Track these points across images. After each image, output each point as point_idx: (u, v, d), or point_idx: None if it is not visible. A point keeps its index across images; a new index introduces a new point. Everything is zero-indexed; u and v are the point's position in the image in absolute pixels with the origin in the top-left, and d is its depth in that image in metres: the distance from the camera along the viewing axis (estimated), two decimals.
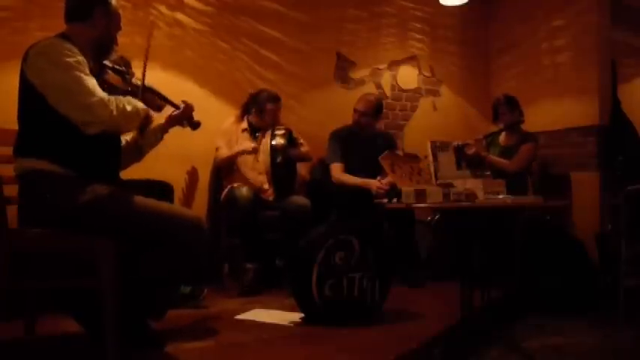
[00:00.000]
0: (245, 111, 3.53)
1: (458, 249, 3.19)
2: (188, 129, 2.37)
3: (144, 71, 2.15)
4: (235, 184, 3.35)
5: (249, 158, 3.41)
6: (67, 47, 1.91)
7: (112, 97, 1.94)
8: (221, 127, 3.48)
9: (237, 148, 3.37)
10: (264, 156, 3.41)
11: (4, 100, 2.21)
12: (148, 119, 2.17)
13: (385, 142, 3.62)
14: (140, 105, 2.05)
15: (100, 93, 1.90)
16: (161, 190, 2.22)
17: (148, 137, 2.34)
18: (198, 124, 2.35)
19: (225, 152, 3.41)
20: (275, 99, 3.49)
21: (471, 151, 3.26)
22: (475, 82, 4.96)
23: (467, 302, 2.52)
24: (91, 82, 1.89)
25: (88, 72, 1.91)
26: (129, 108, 1.97)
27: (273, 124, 3.51)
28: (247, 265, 3.20)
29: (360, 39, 4.35)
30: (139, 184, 2.16)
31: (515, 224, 3.27)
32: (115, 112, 1.90)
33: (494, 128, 3.96)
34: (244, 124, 3.51)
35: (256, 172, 3.43)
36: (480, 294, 2.65)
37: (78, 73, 1.87)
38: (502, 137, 3.83)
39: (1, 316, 1.82)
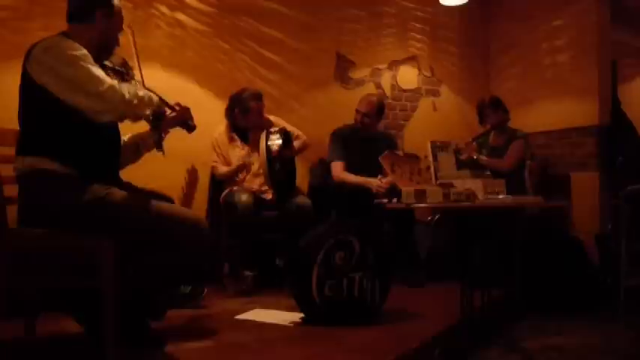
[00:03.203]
0: (229, 114, 3.46)
1: (458, 249, 3.19)
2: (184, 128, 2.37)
3: (140, 73, 2.16)
4: (235, 188, 3.35)
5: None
6: (70, 42, 1.92)
7: (123, 84, 1.96)
8: (211, 140, 3.44)
9: (232, 167, 3.38)
10: (261, 160, 3.34)
11: (5, 100, 2.21)
12: (161, 110, 2.15)
13: (385, 142, 3.63)
14: (153, 94, 2.07)
15: (110, 80, 1.91)
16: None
17: (148, 138, 2.34)
18: (194, 127, 2.34)
19: (222, 169, 3.41)
20: (258, 97, 3.41)
21: (463, 156, 3.27)
22: (475, 82, 4.96)
23: (467, 302, 2.52)
24: (99, 72, 1.91)
25: (94, 63, 1.92)
26: (141, 93, 1.99)
27: (264, 125, 3.42)
28: (246, 272, 3.20)
29: (360, 39, 4.35)
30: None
31: (515, 224, 3.27)
32: (127, 96, 1.91)
33: None
34: (231, 134, 3.46)
35: (253, 174, 3.42)
36: (480, 294, 2.65)
37: (85, 64, 1.88)
38: (491, 137, 3.85)
39: (2, 315, 1.81)
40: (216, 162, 3.44)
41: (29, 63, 1.91)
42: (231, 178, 3.42)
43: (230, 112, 3.47)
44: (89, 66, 1.88)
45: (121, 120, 2.05)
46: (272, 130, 3.32)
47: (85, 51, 1.92)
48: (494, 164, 3.59)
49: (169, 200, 2.27)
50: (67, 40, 1.94)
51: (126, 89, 1.93)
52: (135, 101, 1.95)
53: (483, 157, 3.64)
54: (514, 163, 3.69)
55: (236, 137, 3.46)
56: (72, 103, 1.87)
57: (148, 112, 2.04)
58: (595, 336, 2.76)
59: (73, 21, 2.06)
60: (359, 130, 3.68)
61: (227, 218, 3.33)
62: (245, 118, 3.41)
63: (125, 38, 2.20)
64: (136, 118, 2.06)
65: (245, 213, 3.15)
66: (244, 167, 3.40)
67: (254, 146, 3.39)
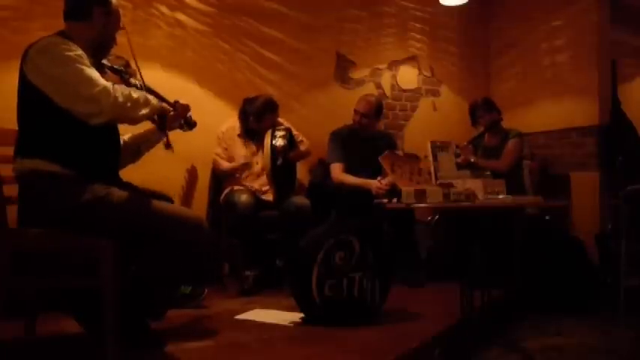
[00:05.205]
0: (243, 118, 3.49)
1: (458, 249, 3.19)
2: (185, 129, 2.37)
3: (139, 72, 2.16)
4: (235, 187, 3.35)
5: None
6: (66, 42, 1.91)
7: (117, 85, 1.93)
8: (217, 132, 3.47)
9: (234, 164, 3.39)
10: (264, 157, 3.38)
11: (5, 100, 2.20)
12: (164, 112, 2.13)
13: (385, 142, 3.62)
14: (152, 97, 2.05)
15: (103, 82, 1.88)
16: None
17: (150, 137, 2.34)
18: (195, 123, 2.35)
19: (223, 164, 3.42)
20: (273, 108, 3.45)
21: (459, 159, 3.28)
22: (475, 82, 4.96)
23: (467, 302, 2.52)
24: (93, 73, 1.89)
25: (89, 64, 1.91)
26: (135, 95, 1.96)
27: (273, 125, 3.49)
28: (246, 272, 3.20)
29: (360, 39, 4.35)
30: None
31: (515, 224, 3.27)
32: (120, 99, 1.88)
33: None
34: (239, 130, 3.49)
35: (255, 174, 3.43)
36: (480, 294, 2.65)
37: (79, 65, 1.86)
38: (485, 138, 3.85)
39: (2, 315, 1.82)
40: (218, 154, 3.45)
41: (26, 63, 1.91)
42: (231, 175, 3.43)
43: (243, 116, 3.49)
44: (83, 67, 1.87)
45: (115, 123, 2.03)
46: (278, 127, 3.41)
47: (80, 51, 1.91)
48: (492, 166, 3.57)
49: (169, 200, 2.27)
50: (63, 41, 1.92)
51: (119, 92, 1.89)
52: (128, 104, 1.91)
53: (480, 160, 3.64)
54: (511, 163, 3.68)
55: (244, 136, 3.48)
56: (63, 104, 1.86)
57: (144, 112, 2.00)
58: (595, 336, 2.76)
59: (71, 19, 2.05)
60: (358, 131, 3.67)
61: (227, 218, 3.33)
62: (258, 124, 3.44)
63: (123, 39, 2.20)
64: (131, 122, 2.06)
65: (245, 212, 3.15)
66: (246, 167, 3.41)
67: (260, 145, 3.42)
